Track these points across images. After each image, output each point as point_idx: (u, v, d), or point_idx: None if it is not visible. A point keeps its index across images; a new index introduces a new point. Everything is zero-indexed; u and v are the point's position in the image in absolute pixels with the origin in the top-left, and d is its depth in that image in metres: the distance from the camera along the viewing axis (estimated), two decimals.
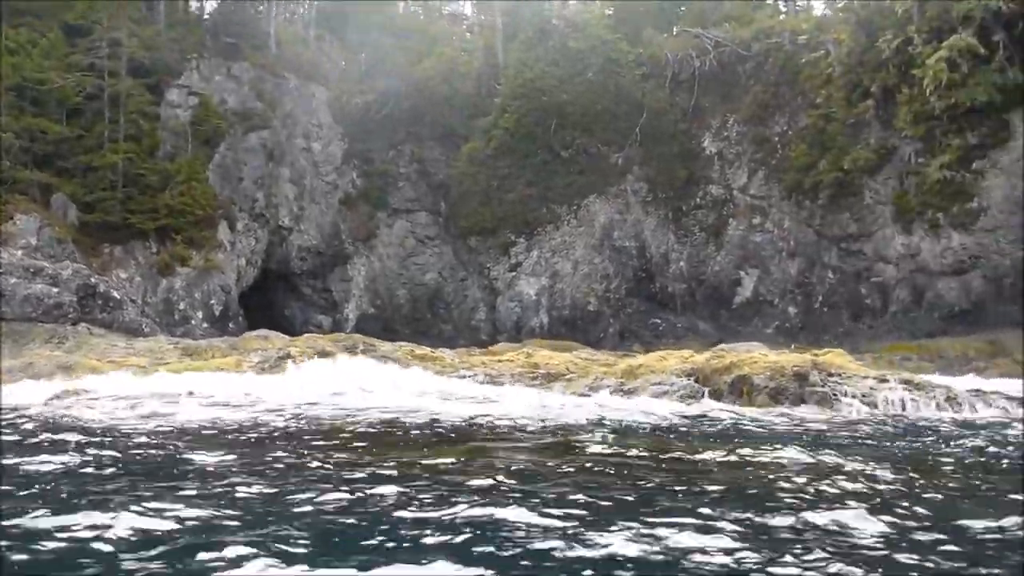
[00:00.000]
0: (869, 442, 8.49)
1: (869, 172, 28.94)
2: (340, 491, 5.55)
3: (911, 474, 6.51)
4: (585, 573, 3.83)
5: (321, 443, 8.19)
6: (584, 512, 4.98)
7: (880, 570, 3.91)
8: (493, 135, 36.09)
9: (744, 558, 4.05)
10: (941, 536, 4.53)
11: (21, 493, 5.58)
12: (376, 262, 38.22)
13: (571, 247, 34.68)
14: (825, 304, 29.68)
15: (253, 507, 5.17)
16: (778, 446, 7.47)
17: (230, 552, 3.96)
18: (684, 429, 9.16)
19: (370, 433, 9.11)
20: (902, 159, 28.21)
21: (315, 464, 6.84)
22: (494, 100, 37.07)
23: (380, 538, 4.39)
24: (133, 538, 4.31)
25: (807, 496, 5.49)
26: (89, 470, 6.53)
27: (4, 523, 4.54)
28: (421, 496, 5.40)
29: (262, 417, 10.14)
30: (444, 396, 11.90)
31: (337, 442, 8.28)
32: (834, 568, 3.86)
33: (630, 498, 5.54)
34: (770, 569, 3.87)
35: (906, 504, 5.31)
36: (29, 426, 9.39)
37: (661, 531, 4.46)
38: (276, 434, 8.98)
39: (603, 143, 35.20)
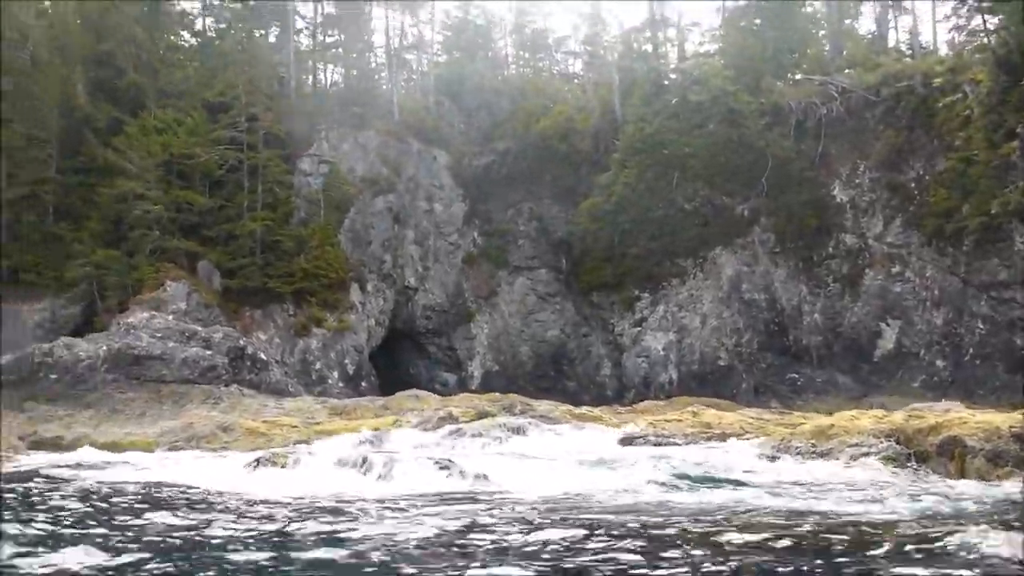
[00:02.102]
0: None
1: (1019, 215, 27.64)
2: None
3: None
4: None
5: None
6: None
7: None
8: (613, 190, 36.22)
9: None
10: None
11: None
12: (499, 319, 38.58)
13: (698, 300, 34.23)
14: (976, 356, 28.22)
15: None
16: None
17: None
18: None
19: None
20: None
21: None
22: (612, 156, 37.29)
23: None
24: None
25: None
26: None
27: None
28: None
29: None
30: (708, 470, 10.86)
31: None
32: None
33: None
34: None
35: None
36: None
37: None
38: None
39: (727, 194, 34.86)
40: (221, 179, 35.04)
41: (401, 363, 38.21)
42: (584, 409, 18.06)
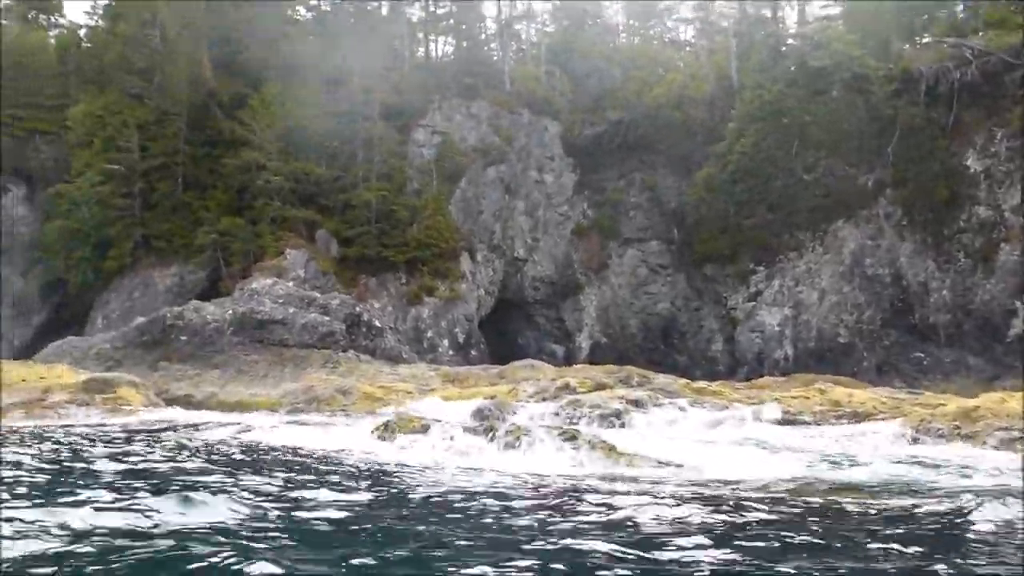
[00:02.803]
0: None
1: None
2: None
3: None
4: None
5: None
6: None
7: None
8: (729, 160, 35.11)
9: None
10: None
11: None
12: (608, 292, 38.18)
13: (817, 275, 32.92)
14: None
15: None
16: None
17: None
18: None
19: None
20: None
21: None
22: (728, 124, 36.12)
23: None
24: None
25: None
26: None
27: None
28: None
29: None
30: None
31: None
32: None
33: None
34: None
35: None
36: None
37: None
38: None
39: (850, 164, 33.26)
40: (337, 150, 35.76)
41: (509, 333, 38.35)
42: (702, 384, 17.61)
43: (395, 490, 7.31)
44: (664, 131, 38.43)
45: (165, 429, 12.83)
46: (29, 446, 9.49)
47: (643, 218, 38.57)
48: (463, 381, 22.52)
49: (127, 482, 6.99)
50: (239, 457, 9.46)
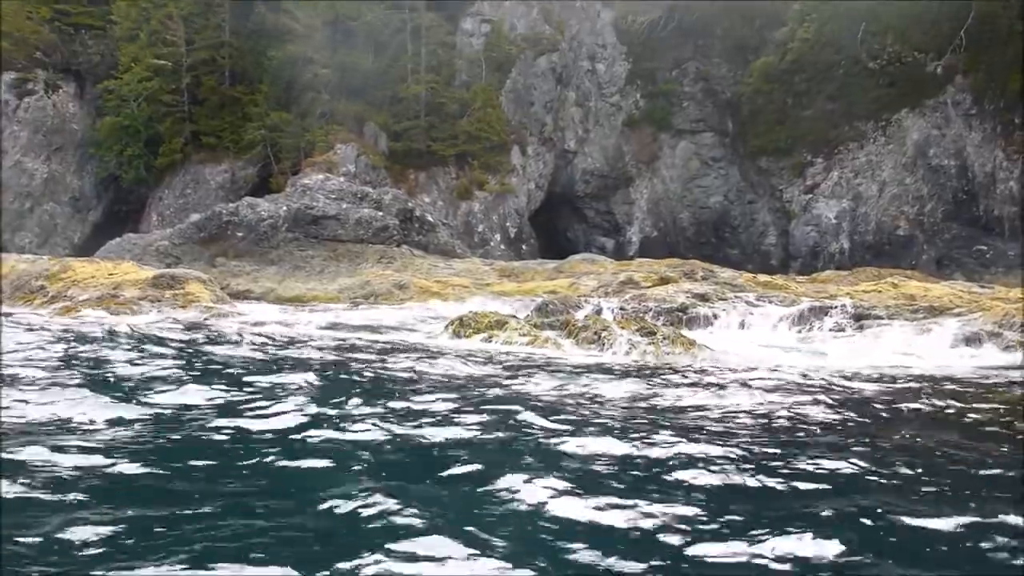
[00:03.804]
0: None
1: None
2: None
3: None
4: None
5: None
6: None
7: None
8: (790, 47, 33.67)
9: None
10: None
11: None
12: (659, 184, 37.50)
13: (877, 167, 31.89)
14: None
15: None
16: None
17: None
18: None
19: None
20: None
21: None
22: (791, 8, 34.45)
23: None
24: None
25: None
26: None
27: None
28: None
29: None
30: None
31: None
32: None
33: None
34: None
35: None
36: None
37: None
38: None
39: (919, 50, 31.65)
40: (385, 41, 34.92)
41: (558, 227, 38.07)
42: (766, 277, 17.32)
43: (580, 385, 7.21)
44: (721, 16, 36.78)
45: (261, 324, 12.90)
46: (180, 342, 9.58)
47: (696, 109, 37.41)
48: (519, 275, 22.48)
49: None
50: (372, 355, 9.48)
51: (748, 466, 4.40)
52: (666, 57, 37.68)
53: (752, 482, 4.14)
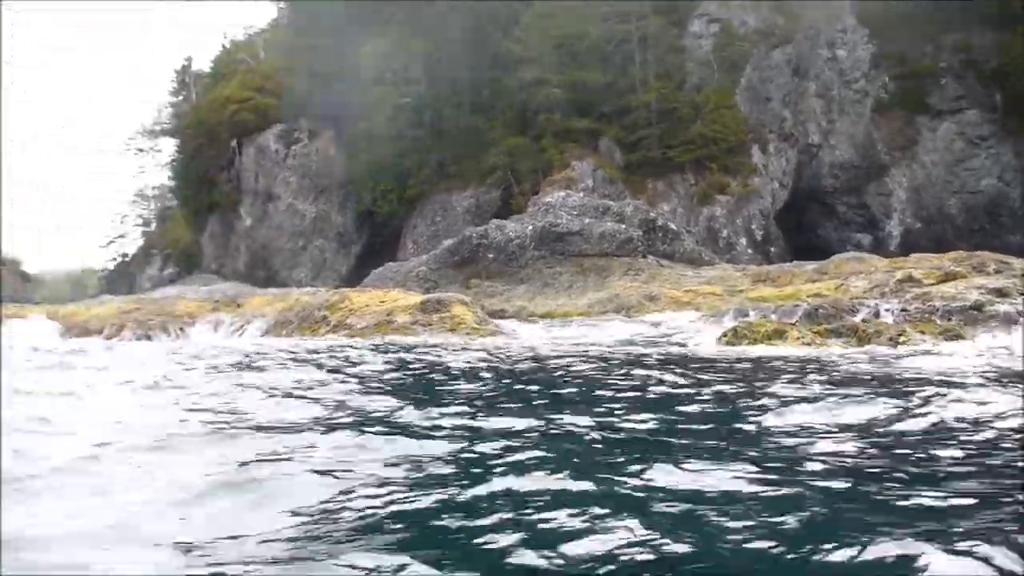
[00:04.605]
0: None
1: None
2: None
3: None
4: None
5: None
6: None
7: None
8: None
9: None
10: None
11: None
12: (919, 171, 34.52)
13: None
14: None
15: None
16: None
17: None
18: None
19: None
20: None
21: None
22: None
23: None
24: None
25: None
26: None
27: None
28: None
29: None
30: None
31: None
32: None
33: None
34: None
35: None
36: None
37: None
38: None
39: None
40: (612, 54, 35.09)
41: (807, 226, 36.11)
42: None
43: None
44: None
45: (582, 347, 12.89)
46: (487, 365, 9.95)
47: (956, 86, 34.11)
48: (776, 280, 21.46)
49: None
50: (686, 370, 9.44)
51: None
52: (916, 32, 34.72)
53: None
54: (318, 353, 11.95)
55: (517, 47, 35.01)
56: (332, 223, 38.40)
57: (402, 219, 37.12)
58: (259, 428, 4.95)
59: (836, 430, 4.71)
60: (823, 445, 4.25)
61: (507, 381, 7.80)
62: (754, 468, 3.69)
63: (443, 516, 3.03)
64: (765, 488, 3.37)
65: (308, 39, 41.09)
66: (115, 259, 56.67)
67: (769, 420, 5.02)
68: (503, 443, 4.24)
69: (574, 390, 7.02)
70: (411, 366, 9.58)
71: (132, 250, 56.23)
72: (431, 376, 8.55)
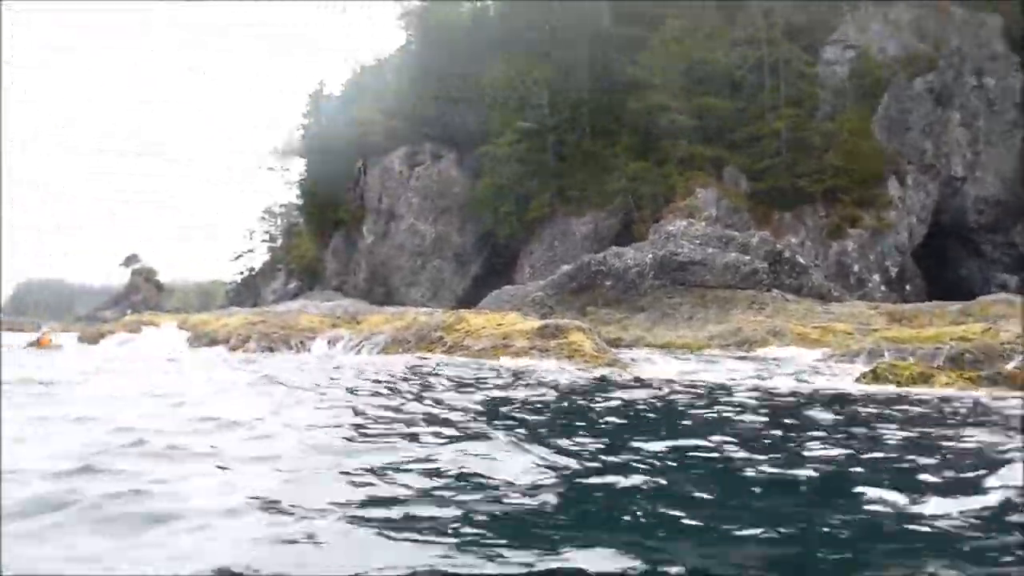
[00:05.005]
0: None
1: None
2: None
3: None
4: None
5: None
6: None
7: None
8: None
9: None
10: None
11: None
12: None
13: None
14: None
15: None
16: None
17: None
18: None
19: None
20: None
21: None
22: None
23: None
24: None
25: None
26: None
27: None
28: None
29: None
30: None
31: None
32: None
33: None
34: None
35: None
36: None
37: None
38: None
39: None
40: (740, 80, 34.27)
41: (947, 264, 34.07)
42: None
43: None
44: None
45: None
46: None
47: None
48: (912, 319, 20.27)
49: None
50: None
51: None
52: None
53: None
54: (462, 369, 11.86)
55: (642, 72, 34.63)
56: (451, 244, 38.87)
57: (520, 242, 37.18)
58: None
59: None
60: None
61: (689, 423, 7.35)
62: None
63: None
64: None
65: (435, 64, 41.96)
66: (242, 272, 59.16)
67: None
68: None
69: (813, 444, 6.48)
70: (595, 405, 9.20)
71: (258, 264, 58.59)
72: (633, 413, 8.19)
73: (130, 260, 63.91)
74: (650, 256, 27.31)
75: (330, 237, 45.06)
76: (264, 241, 61.08)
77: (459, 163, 40.31)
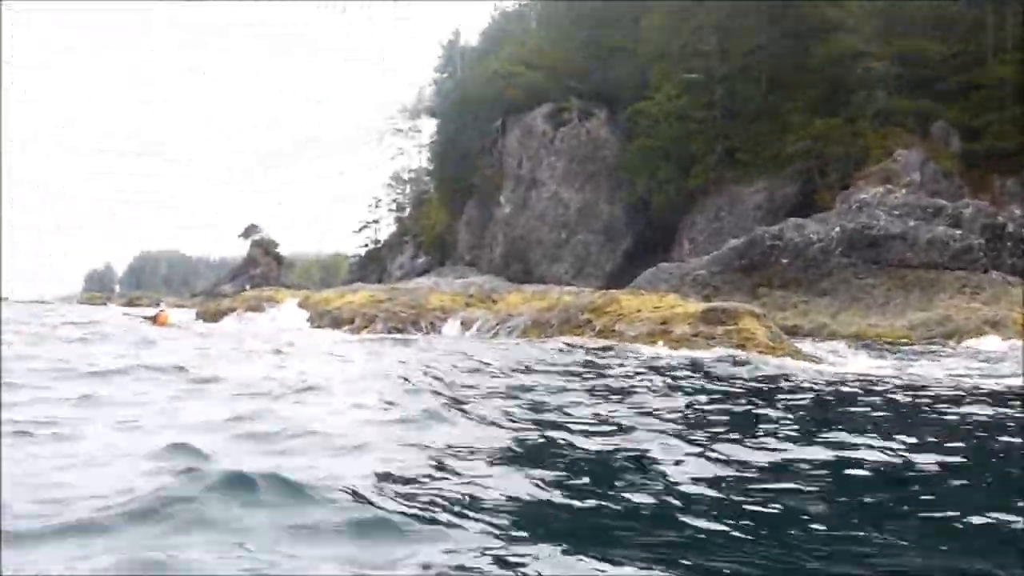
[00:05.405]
0: None
1: None
2: None
3: None
4: None
5: None
6: None
7: None
8: None
9: None
10: None
11: None
12: None
13: None
14: None
15: None
16: None
17: None
18: None
19: None
20: None
21: None
22: None
23: None
24: None
25: None
26: None
27: None
28: None
29: None
30: None
31: None
32: None
33: None
34: None
35: None
36: None
37: None
38: None
39: None
40: (954, 18, 32.39)
41: None
42: None
43: None
44: None
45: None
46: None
47: None
48: None
49: None
50: None
51: None
52: None
53: None
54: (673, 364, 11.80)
55: (832, 11, 33.24)
56: (599, 214, 38.72)
57: (680, 213, 36.59)
58: None
59: None
60: None
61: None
62: None
63: None
64: None
65: (585, 8, 41.73)
66: (366, 245, 61.08)
67: None
68: None
69: None
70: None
71: (384, 236, 60.35)
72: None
73: (249, 231, 67.17)
74: (837, 229, 26.32)
75: (463, 206, 45.85)
76: (391, 211, 62.83)
77: (610, 122, 40.01)
